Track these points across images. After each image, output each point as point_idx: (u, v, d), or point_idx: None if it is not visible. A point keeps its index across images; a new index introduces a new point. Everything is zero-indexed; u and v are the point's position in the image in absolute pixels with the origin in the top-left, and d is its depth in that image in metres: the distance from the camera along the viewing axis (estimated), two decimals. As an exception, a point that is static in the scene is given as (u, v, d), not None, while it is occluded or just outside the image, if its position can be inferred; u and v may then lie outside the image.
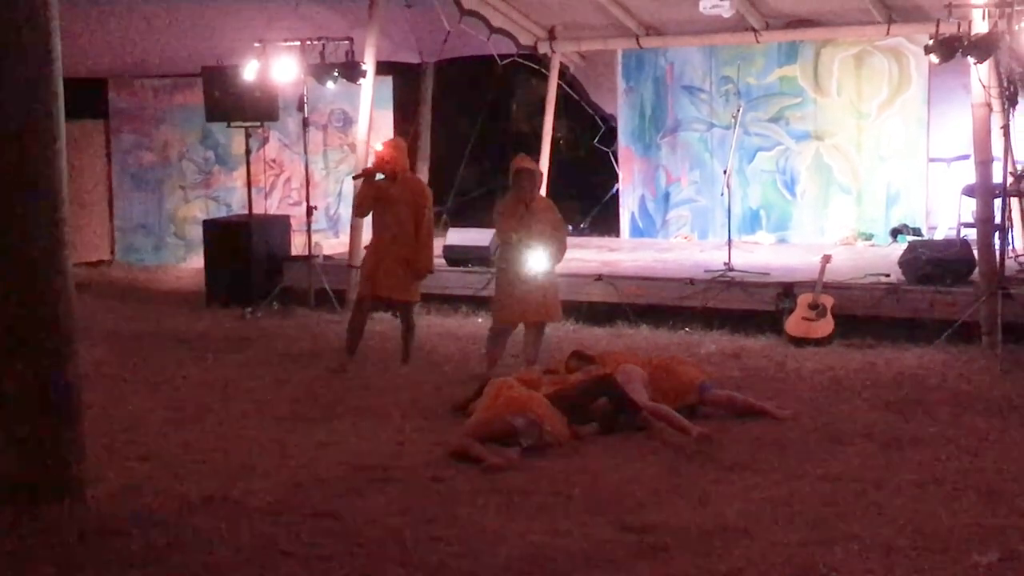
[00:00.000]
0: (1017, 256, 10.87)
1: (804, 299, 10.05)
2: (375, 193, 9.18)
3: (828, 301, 9.99)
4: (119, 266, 15.49)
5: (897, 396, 8.12)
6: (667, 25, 13.78)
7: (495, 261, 8.92)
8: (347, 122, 14.84)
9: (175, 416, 7.92)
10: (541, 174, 8.96)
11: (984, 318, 9.41)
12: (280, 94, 12.35)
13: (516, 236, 8.69)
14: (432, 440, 7.19)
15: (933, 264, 10.13)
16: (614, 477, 6.45)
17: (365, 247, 9.80)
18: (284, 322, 11.45)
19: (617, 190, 14.89)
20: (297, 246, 13.10)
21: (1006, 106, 9.66)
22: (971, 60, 9.31)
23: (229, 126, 13.03)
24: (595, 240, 14.35)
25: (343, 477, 6.51)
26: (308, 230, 12.18)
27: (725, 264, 11.12)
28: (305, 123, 12.37)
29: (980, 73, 9.39)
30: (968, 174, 10.88)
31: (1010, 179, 10.23)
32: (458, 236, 12.32)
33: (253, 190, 13.10)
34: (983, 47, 9.16)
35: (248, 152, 12.79)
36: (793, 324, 9.98)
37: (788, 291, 10.29)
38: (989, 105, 9.53)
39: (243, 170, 13.18)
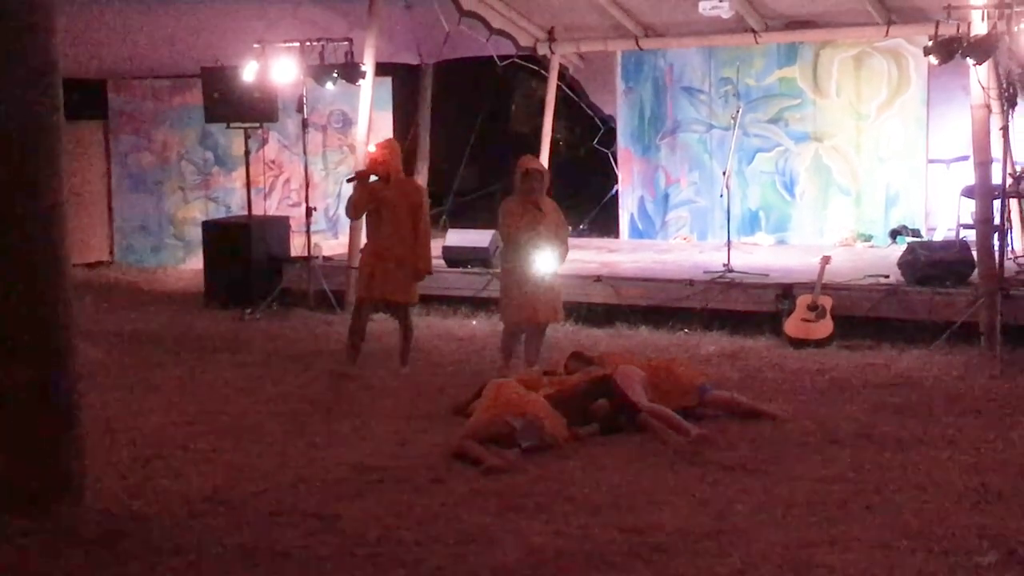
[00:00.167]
0: (1016, 257, 10.87)
1: (803, 300, 10.06)
2: (369, 195, 9.16)
3: (827, 302, 9.99)
4: (118, 267, 15.49)
5: (896, 397, 8.12)
6: (666, 26, 13.79)
7: (499, 262, 8.90)
8: (346, 123, 14.84)
9: (174, 417, 7.92)
10: (549, 174, 8.98)
11: (983, 319, 9.41)
12: (279, 95, 12.36)
13: (527, 236, 8.69)
14: (432, 441, 7.19)
15: (932, 265, 10.14)
16: (613, 478, 6.45)
17: (361, 250, 9.77)
18: (283, 323, 11.45)
19: (616, 191, 14.89)
20: (296, 247, 13.10)
21: (1005, 107, 9.66)
22: (970, 61, 9.31)
23: (228, 127, 13.03)
24: (594, 241, 14.35)
25: (343, 478, 6.51)
26: (307, 231, 12.18)
27: (724, 265, 11.13)
28: (304, 124, 12.37)
29: (979, 74, 9.40)
30: (967, 175, 10.88)
31: (1009, 180, 10.23)
32: (457, 237, 12.32)
33: (252, 191, 13.11)
34: (982, 48, 9.17)
35: (247, 153, 12.80)
36: (792, 325, 9.98)
37: (787, 292, 10.30)
38: (988, 106, 9.54)
39: (242, 171, 13.19)
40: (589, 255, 12.75)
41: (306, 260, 12.17)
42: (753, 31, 13.20)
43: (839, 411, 7.79)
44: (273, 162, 15.20)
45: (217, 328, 11.22)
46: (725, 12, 12.50)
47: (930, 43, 9.49)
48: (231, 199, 15.22)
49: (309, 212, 12.16)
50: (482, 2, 13.61)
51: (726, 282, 10.77)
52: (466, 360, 9.58)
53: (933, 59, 9.59)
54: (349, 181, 9.52)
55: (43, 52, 5.72)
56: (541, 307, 8.86)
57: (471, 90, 17.20)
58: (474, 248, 11.95)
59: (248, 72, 12.03)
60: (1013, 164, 10.32)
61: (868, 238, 13.31)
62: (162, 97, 15.57)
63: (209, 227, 13.03)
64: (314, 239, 12.39)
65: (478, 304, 11.47)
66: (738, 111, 12.14)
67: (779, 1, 12.82)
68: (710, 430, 7.11)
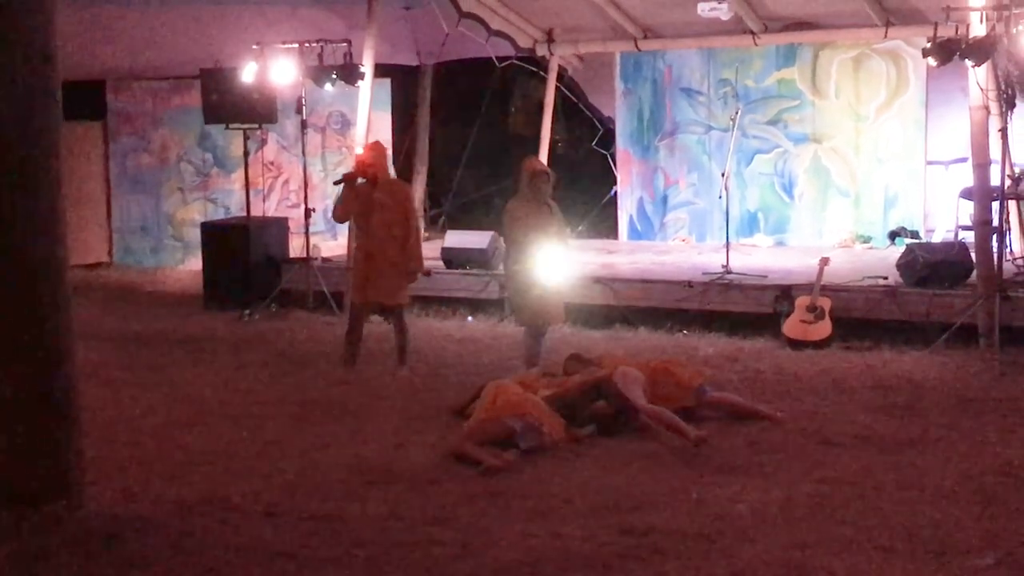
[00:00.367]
0: (1015, 259, 10.87)
1: (802, 302, 10.06)
2: (357, 197, 9.15)
3: (826, 304, 9.99)
4: (117, 268, 15.50)
5: (895, 399, 8.12)
6: (665, 28, 13.79)
7: (499, 264, 8.91)
8: (345, 124, 14.84)
9: (173, 418, 7.92)
10: (554, 176, 9.04)
11: (982, 321, 9.42)
12: (278, 96, 12.37)
13: (537, 239, 8.73)
14: (430, 442, 7.19)
15: (931, 267, 10.14)
16: (612, 479, 6.45)
17: (351, 253, 9.74)
18: (282, 324, 11.45)
19: (615, 192, 14.89)
20: (295, 248, 13.10)
21: (1004, 109, 9.67)
22: (969, 63, 9.33)
23: (227, 128, 13.04)
24: (593, 242, 14.35)
25: (341, 479, 6.51)
26: (306, 232, 12.19)
27: (723, 267, 11.13)
28: (303, 125, 12.38)
29: (978, 76, 9.41)
30: (966, 177, 10.88)
31: (1008, 182, 10.24)
32: (456, 238, 12.31)
33: (251, 192, 13.13)
34: (981, 50, 9.17)
35: (246, 154, 12.81)
36: (791, 327, 9.98)
37: (786, 294, 10.30)
38: (987, 108, 9.55)
39: (241, 172, 13.20)
40: (588, 256, 12.74)
41: (305, 261, 12.17)
42: (752, 33, 13.20)
43: (837, 412, 7.80)
44: (272, 163, 15.20)
45: (216, 329, 11.22)
46: (724, 13, 12.50)
47: (929, 45, 9.50)
48: (230, 200, 15.22)
49: (308, 213, 12.17)
50: (481, 3, 13.61)
51: (725, 283, 10.78)
52: (465, 361, 9.58)
53: (932, 61, 9.60)
54: (336, 184, 9.50)
55: (42, 53, 5.72)
56: (552, 310, 8.91)
57: (470, 91, 17.19)
58: (473, 250, 11.94)
59: (247, 73, 12.04)
60: (1012, 166, 10.33)
61: (867, 239, 13.31)
62: (161, 98, 15.57)
63: (208, 228, 13.03)
64: (313, 240, 12.39)
65: (477, 305, 11.47)
66: (737, 112, 12.14)
67: (778, 3, 12.83)
68: (709, 431, 7.11)
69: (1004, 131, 9.61)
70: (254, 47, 12.14)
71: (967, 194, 10.90)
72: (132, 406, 8.26)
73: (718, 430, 7.29)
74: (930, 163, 13.09)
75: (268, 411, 8.11)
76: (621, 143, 14.79)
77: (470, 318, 11.34)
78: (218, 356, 9.99)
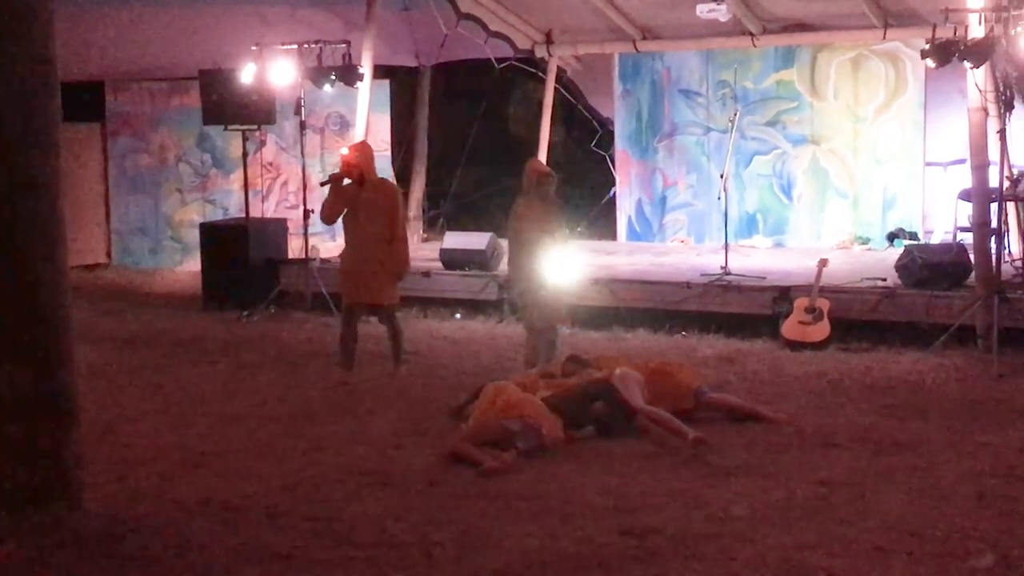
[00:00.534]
0: (1013, 260, 10.88)
1: (800, 303, 10.06)
2: (344, 198, 9.12)
3: (824, 305, 9.99)
4: (115, 269, 15.49)
5: (893, 400, 8.13)
6: (664, 29, 13.80)
7: (517, 266, 8.92)
8: (344, 125, 14.83)
9: (172, 419, 7.92)
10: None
11: (980, 322, 9.42)
12: (277, 97, 12.36)
13: (547, 240, 8.76)
14: (429, 443, 7.19)
15: (929, 268, 10.15)
16: (610, 481, 6.45)
17: (339, 255, 9.72)
18: (280, 325, 11.45)
19: (614, 193, 14.90)
20: (294, 249, 13.11)
21: (1002, 110, 9.67)
22: (967, 64, 9.33)
23: (226, 129, 13.03)
24: (592, 243, 14.35)
25: (339, 480, 6.51)
26: (305, 233, 12.19)
27: (722, 268, 11.14)
28: (302, 126, 12.37)
29: (976, 77, 9.41)
30: (964, 178, 10.89)
31: (1006, 183, 10.25)
32: (455, 239, 12.31)
33: (250, 193, 13.11)
34: (979, 52, 9.18)
35: (245, 155, 12.80)
36: (789, 328, 9.99)
37: (784, 295, 10.30)
38: (985, 109, 9.56)
39: (240, 173, 13.19)
40: (586, 257, 12.73)
41: (303, 262, 12.17)
42: (751, 34, 13.21)
43: (836, 414, 7.80)
44: (271, 164, 15.20)
45: (214, 330, 11.22)
46: (723, 15, 12.51)
47: (927, 46, 9.51)
48: (229, 201, 15.22)
49: (307, 214, 12.15)
50: (480, 4, 13.62)
51: (723, 285, 10.78)
52: (463, 362, 9.58)
53: (930, 62, 9.60)
54: (323, 185, 9.46)
55: (41, 54, 5.72)
56: (559, 309, 8.96)
57: (469, 93, 17.20)
58: (472, 251, 11.94)
59: (246, 74, 12.04)
60: (1010, 167, 10.34)
61: (865, 241, 13.32)
62: (160, 99, 15.57)
63: (207, 229, 13.03)
64: (311, 241, 12.39)
65: (475, 306, 11.47)
66: (735, 114, 12.14)
67: (776, 4, 12.83)
68: (707, 433, 7.10)
69: (1002, 132, 9.61)
70: (253, 48, 12.14)
71: (965, 195, 10.90)
72: (131, 407, 8.26)
73: (716, 431, 7.29)
74: (928, 164, 13.10)
75: (267, 412, 8.11)
76: (620, 144, 14.79)
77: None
78: (217, 357, 9.99)
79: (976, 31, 9.33)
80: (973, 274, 9.90)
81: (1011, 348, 9.20)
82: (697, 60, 14.16)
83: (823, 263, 10.38)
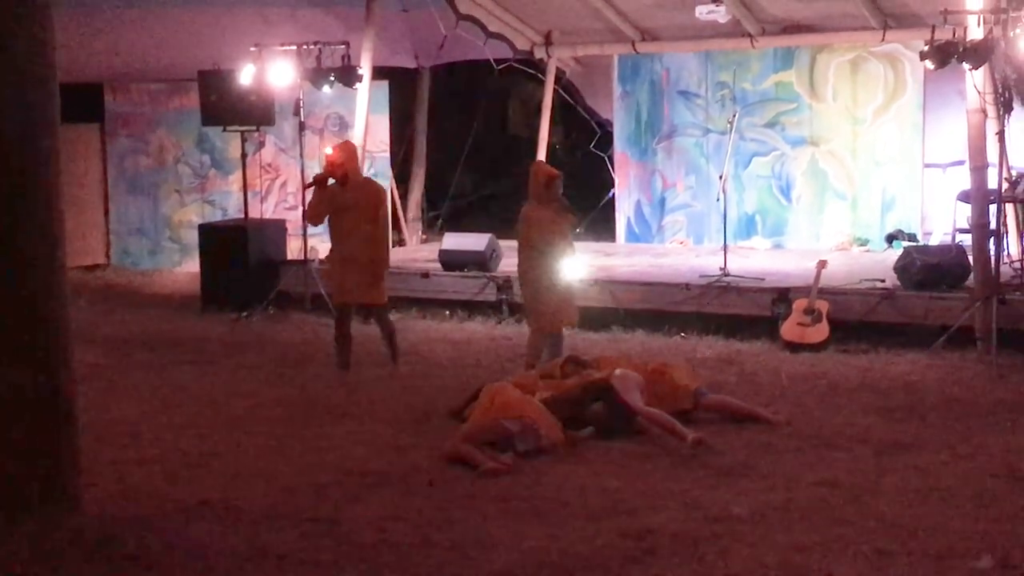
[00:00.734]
0: (1012, 262, 10.88)
1: (799, 304, 10.06)
2: (329, 199, 9.09)
3: (823, 306, 9.99)
4: (114, 270, 15.49)
5: (892, 401, 8.13)
6: (663, 30, 13.81)
7: (529, 268, 8.91)
8: (343, 126, 14.83)
9: (170, 420, 7.92)
10: None
11: (979, 323, 9.42)
12: (276, 98, 12.36)
13: (558, 243, 8.76)
14: (428, 444, 7.19)
15: (928, 270, 10.15)
16: (609, 482, 6.45)
17: (327, 257, 9.70)
18: (279, 326, 11.45)
19: (613, 195, 14.90)
20: (293, 250, 13.10)
21: (1001, 112, 9.69)
22: (966, 66, 9.33)
23: (225, 130, 13.02)
24: (591, 245, 14.34)
25: (339, 481, 6.51)
26: (304, 234, 12.18)
27: (721, 269, 11.13)
28: (301, 127, 12.37)
29: (975, 79, 9.41)
30: (963, 180, 10.89)
31: (1005, 185, 10.25)
32: (454, 240, 12.32)
33: (249, 194, 13.11)
34: (978, 53, 9.18)
35: (244, 156, 12.79)
36: (788, 329, 9.99)
37: (783, 296, 10.31)
38: (984, 111, 9.56)
39: (239, 174, 13.19)
40: (585, 258, 12.73)
41: (302, 263, 12.16)
42: (750, 35, 13.22)
43: (835, 415, 7.80)
44: (270, 165, 15.19)
45: (213, 331, 11.22)
46: (722, 16, 12.53)
47: (926, 48, 9.51)
48: (227, 202, 15.21)
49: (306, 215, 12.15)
50: (479, 6, 13.62)
51: (722, 286, 10.78)
52: (462, 363, 9.58)
53: (929, 64, 9.60)
54: (308, 187, 9.42)
55: (40, 55, 5.72)
56: (570, 310, 8.96)
57: (468, 94, 17.20)
58: (471, 252, 11.95)
59: (245, 75, 12.04)
60: (1009, 169, 10.35)
61: (864, 242, 13.32)
62: (159, 100, 15.56)
63: (205, 230, 13.02)
64: (310, 242, 12.38)
65: (474, 308, 11.47)
66: (734, 115, 12.14)
67: (776, 5, 12.84)
68: (706, 434, 7.11)
69: (1001, 134, 9.62)
70: (252, 49, 12.14)
71: (964, 197, 10.90)
72: (130, 408, 8.26)
73: (715, 433, 7.29)
74: (927, 166, 13.10)
75: (266, 413, 8.11)
76: (619, 145, 14.79)
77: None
78: (216, 358, 9.99)
79: (975, 33, 9.33)
80: (972, 276, 9.90)
81: (1010, 350, 9.20)
82: (696, 61, 14.16)
83: (822, 264, 10.38)
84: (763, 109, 13.83)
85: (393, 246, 14.86)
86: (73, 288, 6.35)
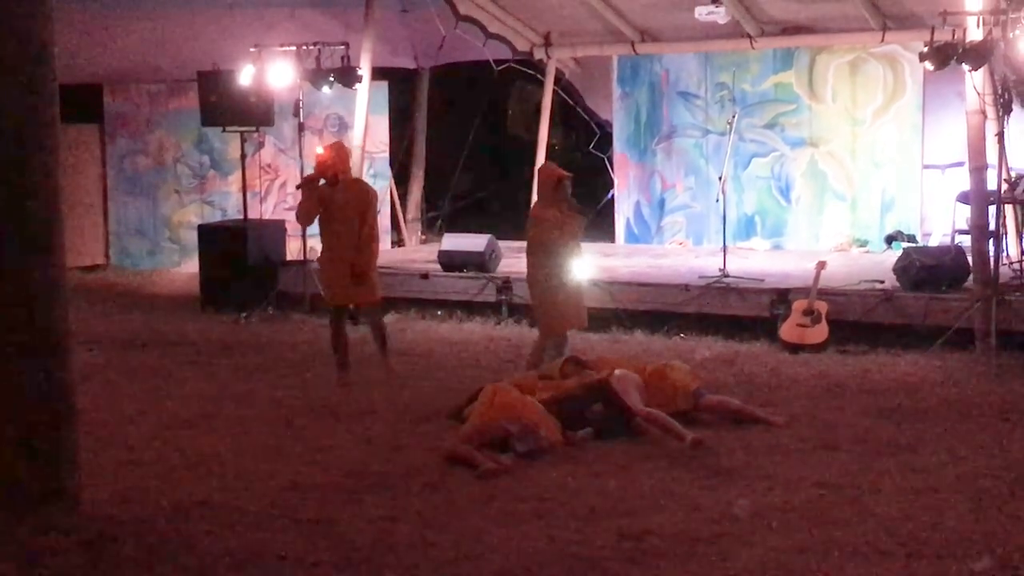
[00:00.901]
0: (1011, 263, 10.88)
1: (799, 305, 10.06)
2: (319, 199, 9.05)
3: (823, 307, 9.99)
4: (114, 270, 15.50)
5: (891, 402, 8.13)
6: (662, 31, 13.81)
7: (539, 270, 8.88)
8: (343, 127, 14.83)
9: (169, 421, 7.91)
10: None
11: (978, 324, 9.41)
12: (276, 99, 12.36)
13: (568, 245, 8.75)
14: (427, 445, 7.19)
15: (927, 271, 10.15)
16: (609, 483, 6.45)
17: (317, 258, 9.68)
18: (279, 327, 11.45)
19: (612, 196, 14.90)
20: (292, 251, 13.10)
21: (1000, 113, 9.68)
22: (966, 67, 9.33)
23: (224, 131, 13.03)
24: (590, 245, 14.31)
25: (338, 482, 6.50)
26: (303, 235, 12.18)
27: (720, 270, 11.13)
28: (301, 128, 12.37)
29: (975, 80, 9.41)
30: (962, 181, 10.89)
31: (1004, 186, 10.25)
32: (453, 241, 12.31)
33: (248, 195, 13.11)
34: (978, 54, 9.18)
35: (243, 157, 12.80)
36: (788, 330, 9.99)
37: (783, 297, 10.31)
38: (983, 112, 9.56)
39: (238, 175, 13.20)
40: (585, 259, 12.71)
41: (302, 264, 12.16)
42: (749, 36, 13.22)
43: (834, 416, 7.80)
44: (269, 166, 15.20)
45: (212, 332, 11.22)
46: (721, 17, 12.53)
47: (926, 49, 9.51)
48: (227, 203, 15.22)
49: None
50: (478, 7, 13.62)
51: (722, 287, 10.78)
52: (461, 364, 9.58)
53: (929, 65, 9.59)
54: (298, 188, 9.36)
55: (40, 56, 5.72)
56: (582, 312, 8.94)
57: (467, 94, 17.22)
58: (470, 252, 11.94)
59: (244, 76, 12.04)
60: (1008, 170, 10.34)
61: (864, 243, 13.32)
62: (158, 101, 15.57)
63: (205, 231, 13.03)
64: (310, 243, 12.37)
65: (474, 308, 11.46)
66: (734, 116, 12.13)
67: (775, 6, 12.84)
68: (705, 435, 7.11)
69: (1001, 135, 9.61)
70: (252, 50, 12.14)
71: (964, 198, 10.91)
72: (128, 408, 8.25)
73: (714, 434, 7.29)
74: (927, 167, 13.10)
75: (265, 414, 8.10)
76: (618, 146, 14.80)
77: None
78: (215, 359, 9.98)
79: (974, 34, 9.33)
80: (971, 277, 9.90)
81: (1009, 350, 9.20)
82: (695, 62, 14.17)
83: (821, 265, 10.37)
84: (762, 110, 13.84)
85: (392, 247, 14.91)
86: (72, 289, 6.34)
